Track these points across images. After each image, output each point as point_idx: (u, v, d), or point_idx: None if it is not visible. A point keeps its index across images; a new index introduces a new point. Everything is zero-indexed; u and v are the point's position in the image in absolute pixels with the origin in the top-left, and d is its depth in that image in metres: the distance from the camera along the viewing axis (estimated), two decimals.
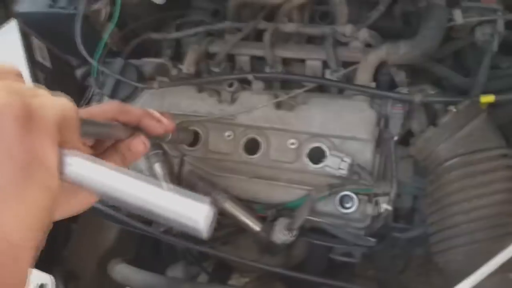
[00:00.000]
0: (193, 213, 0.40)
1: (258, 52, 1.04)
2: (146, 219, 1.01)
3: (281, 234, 0.89)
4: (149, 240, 1.25)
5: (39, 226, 0.38)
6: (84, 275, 1.15)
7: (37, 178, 0.37)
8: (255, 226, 0.91)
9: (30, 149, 0.37)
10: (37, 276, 0.92)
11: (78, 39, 0.98)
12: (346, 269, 1.23)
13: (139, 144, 0.57)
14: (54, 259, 1.15)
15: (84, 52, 1.01)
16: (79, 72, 1.16)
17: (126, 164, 0.56)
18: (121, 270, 0.95)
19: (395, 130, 0.87)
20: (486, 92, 0.95)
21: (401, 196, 0.95)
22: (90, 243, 1.18)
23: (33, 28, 1.05)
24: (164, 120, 0.64)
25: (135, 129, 0.59)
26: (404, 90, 0.88)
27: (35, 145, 0.37)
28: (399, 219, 0.98)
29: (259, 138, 0.95)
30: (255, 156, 0.94)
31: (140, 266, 1.20)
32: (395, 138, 0.87)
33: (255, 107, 0.95)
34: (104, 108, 0.56)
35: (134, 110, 0.60)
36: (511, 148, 0.77)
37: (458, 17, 0.94)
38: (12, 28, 1.01)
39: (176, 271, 1.27)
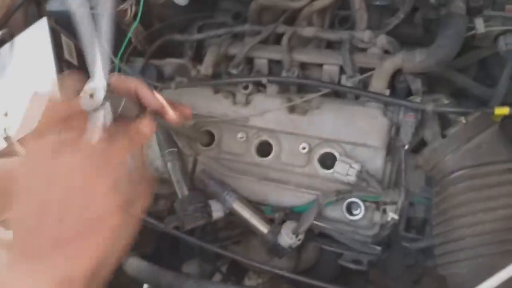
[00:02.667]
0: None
1: (276, 56, 1.05)
2: (160, 215, 1.05)
3: (287, 238, 0.90)
4: (168, 236, 1.28)
5: None
6: None
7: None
8: (263, 227, 0.92)
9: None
10: None
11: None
12: (360, 277, 1.22)
13: (147, 125, 0.60)
14: None
15: (108, 51, 1.04)
16: None
17: (134, 146, 0.60)
18: (132, 263, 0.98)
19: (406, 138, 0.86)
20: (507, 103, 0.93)
21: (414, 205, 0.94)
22: None
23: (62, 26, 1.10)
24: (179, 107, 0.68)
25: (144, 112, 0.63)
26: (417, 98, 0.87)
27: None
28: (411, 229, 0.97)
29: (271, 141, 0.96)
30: (267, 158, 0.96)
31: (158, 260, 1.23)
32: (406, 146, 0.87)
33: (268, 110, 0.96)
34: None
35: (129, 78, 0.64)
36: None
37: (480, 25, 0.92)
38: (42, 25, 1.06)
39: (191, 267, 1.30)
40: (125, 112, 0.62)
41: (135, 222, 0.57)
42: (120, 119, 0.60)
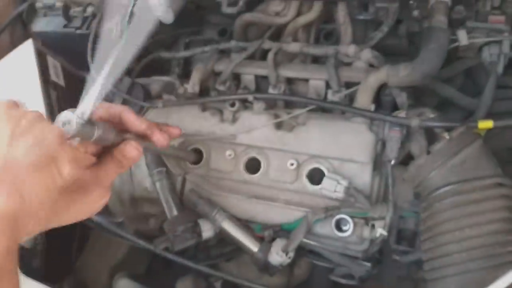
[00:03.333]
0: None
1: (262, 71, 1.05)
2: (151, 234, 1.04)
3: (277, 256, 0.90)
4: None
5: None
6: (94, 287, 1.18)
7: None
8: (253, 246, 0.92)
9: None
10: None
11: (89, 59, 1.02)
12: None
13: (132, 149, 0.62)
14: (66, 270, 1.19)
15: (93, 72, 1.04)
16: None
17: (123, 169, 0.62)
18: (123, 285, 0.98)
19: (392, 153, 0.86)
20: (493, 113, 0.94)
21: (404, 217, 0.94)
22: (102, 256, 1.22)
23: (48, 46, 1.10)
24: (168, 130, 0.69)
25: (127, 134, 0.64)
26: (402, 113, 0.87)
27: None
28: (402, 240, 0.96)
29: (259, 158, 0.96)
30: (255, 175, 0.96)
31: (151, 279, 1.22)
32: (392, 161, 0.87)
33: (255, 127, 0.96)
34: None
35: (114, 105, 0.66)
36: (506, 176, 0.75)
37: (463, 38, 0.93)
38: (28, 48, 1.06)
39: (185, 284, 1.29)
40: (104, 137, 0.63)
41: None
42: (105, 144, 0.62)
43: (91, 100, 0.59)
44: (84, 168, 0.58)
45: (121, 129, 0.65)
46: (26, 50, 1.07)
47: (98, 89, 0.60)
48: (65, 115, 0.58)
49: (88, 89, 0.59)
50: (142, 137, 0.67)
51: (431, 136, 0.87)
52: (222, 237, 1.01)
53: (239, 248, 1.04)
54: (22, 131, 0.53)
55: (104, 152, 0.62)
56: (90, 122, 0.59)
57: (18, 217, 0.50)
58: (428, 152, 0.78)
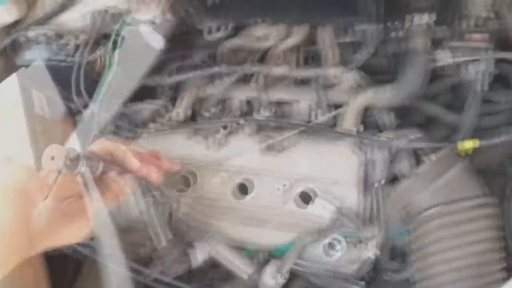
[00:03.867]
0: None
1: (249, 94, 1.06)
2: (143, 262, 1.04)
3: (271, 278, 0.89)
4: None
5: None
6: None
7: None
8: (243, 273, 0.91)
9: None
10: None
11: (73, 92, 1.03)
12: None
13: (127, 185, 0.70)
14: None
15: (86, 98, 1.04)
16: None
17: (120, 199, 0.69)
18: None
19: (381, 174, 0.87)
20: (479, 129, 0.94)
21: (395, 236, 0.94)
22: (95, 285, 1.20)
23: (33, 79, 1.09)
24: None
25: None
26: (390, 134, 0.88)
27: None
28: (395, 257, 0.96)
29: (247, 183, 0.96)
30: (245, 199, 0.96)
31: None
32: (382, 182, 0.87)
33: (243, 152, 0.97)
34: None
35: (106, 142, 0.71)
36: (490, 196, 0.75)
37: (444, 58, 0.94)
38: (12, 82, 1.06)
39: None
40: (91, 170, 0.65)
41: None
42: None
43: (80, 135, 0.61)
44: (62, 199, 0.60)
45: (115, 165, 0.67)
46: (11, 85, 1.07)
47: (91, 121, 0.62)
48: (52, 149, 0.59)
49: (79, 121, 0.62)
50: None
51: (417, 157, 0.88)
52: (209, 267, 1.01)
53: (224, 277, 1.04)
54: None
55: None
56: (76, 157, 0.61)
57: None
58: (414, 174, 0.78)
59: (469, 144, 0.76)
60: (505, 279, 0.73)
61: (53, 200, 0.62)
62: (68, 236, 0.66)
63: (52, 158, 0.59)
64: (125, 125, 1.06)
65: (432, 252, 0.74)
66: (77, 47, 1.10)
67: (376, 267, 0.94)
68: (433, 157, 0.77)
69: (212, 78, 1.13)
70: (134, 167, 0.69)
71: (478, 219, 0.73)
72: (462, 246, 0.72)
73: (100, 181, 0.67)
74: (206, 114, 1.04)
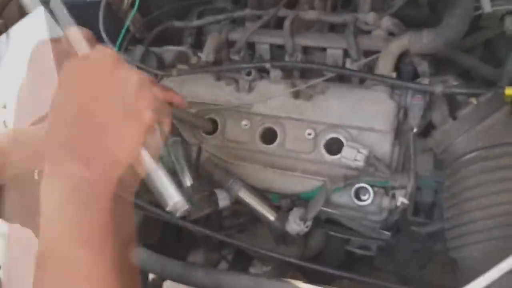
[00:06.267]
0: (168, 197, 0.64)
1: (278, 40, 1.03)
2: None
3: (295, 225, 0.88)
4: (172, 226, 1.27)
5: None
6: None
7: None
8: (270, 215, 0.91)
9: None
10: None
11: (101, 26, 1.00)
12: (365, 262, 1.21)
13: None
14: None
15: (106, 39, 1.02)
16: None
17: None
18: (138, 253, 0.96)
19: (414, 121, 0.85)
20: None
21: (421, 190, 0.93)
22: (116, 225, 1.20)
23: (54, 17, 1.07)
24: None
25: None
26: (425, 80, 0.85)
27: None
28: (419, 213, 0.96)
29: (275, 128, 0.94)
30: (271, 145, 0.94)
31: (163, 250, 1.21)
32: (415, 130, 0.85)
33: (272, 96, 0.95)
34: None
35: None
36: None
37: (486, 5, 0.90)
38: (39, 15, 1.03)
39: (197, 257, 1.29)
40: None
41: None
42: None
43: None
44: None
45: None
46: (37, 18, 1.04)
47: None
48: None
49: None
50: None
51: (453, 106, 0.86)
52: (235, 209, 1.00)
53: (253, 219, 1.03)
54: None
55: None
56: None
57: None
58: (455, 118, 0.76)
59: None
60: None
61: None
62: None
63: None
64: (147, 68, 1.03)
65: (469, 197, 0.72)
66: None
67: (401, 218, 0.93)
68: (476, 100, 0.74)
69: (239, 23, 1.10)
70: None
71: None
72: (502, 192, 0.70)
73: None
74: (235, 58, 1.01)
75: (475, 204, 0.72)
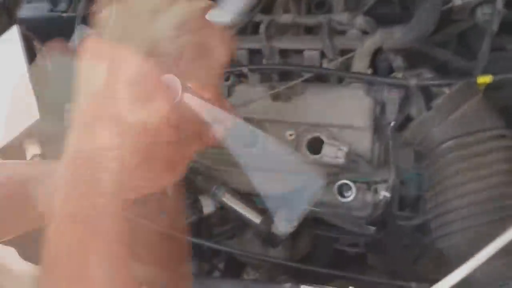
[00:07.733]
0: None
1: (255, 45, 1.04)
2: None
3: (280, 226, 0.89)
4: None
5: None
6: None
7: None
8: (255, 218, 0.91)
9: None
10: None
11: (76, 42, 1.00)
12: (358, 262, 1.21)
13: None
14: None
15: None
16: None
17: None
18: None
19: (391, 115, 0.86)
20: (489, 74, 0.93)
21: (405, 184, 0.93)
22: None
23: (35, 33, 1.07)
24: None
25: None
26: (400, 75, 0.86)
27: None
28: (405, 207, 0.96)
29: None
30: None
31: None
32: (392, 123, 0.86)
33: (251, 100, 0.95)
34: None
35: None
36: (509, 129, 0.74)
37: None
38: (13, 34, 1.04)
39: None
40: None
41: None
42: None
43: None
44: None
45: None
46: (12, 36, 1.05)
47: None
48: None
49: None
50: None
51: (428, 98, 0.87)
52: (223, 215, 1.00)
53: (240, 226, 1.03)
54: None
55: None
56: None
57: None
58: (429, 108, 0.77)
59: (486, 79, 0.75)
60: None
61: None
62: None
63: None
64: None
65: (448, 186, 0.73)
66: None
67: (386, 213, 0.93)
68: (447, 91, 0.75)
69: None
70: None
71: (496, 150, 0.71)
72: (479, 179, 0.71)
73: None
74: None
75: (454, 192, 0.73)
